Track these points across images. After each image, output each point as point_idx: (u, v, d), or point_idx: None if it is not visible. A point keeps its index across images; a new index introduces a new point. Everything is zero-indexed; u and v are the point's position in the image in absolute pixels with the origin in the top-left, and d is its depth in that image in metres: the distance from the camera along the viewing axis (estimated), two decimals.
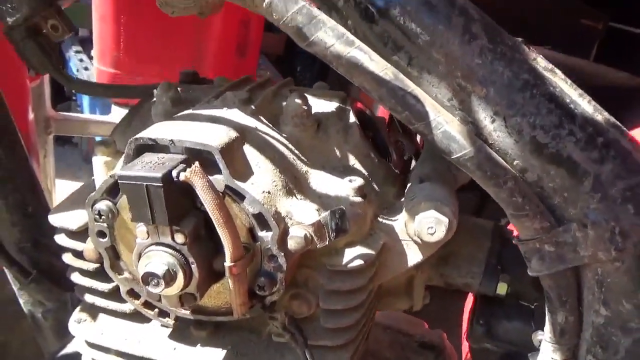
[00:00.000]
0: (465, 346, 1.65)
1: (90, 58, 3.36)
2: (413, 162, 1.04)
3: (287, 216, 0.67)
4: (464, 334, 1.74)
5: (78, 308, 0.85)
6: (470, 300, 1.78)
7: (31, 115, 1.93)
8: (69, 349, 1.04)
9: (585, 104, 0.64)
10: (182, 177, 0.59)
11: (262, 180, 0.67)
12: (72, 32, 0.97)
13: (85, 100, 3.71)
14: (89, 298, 0.82)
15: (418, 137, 1.04)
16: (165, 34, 2.43)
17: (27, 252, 1.10)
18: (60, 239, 0.80)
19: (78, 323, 0.82)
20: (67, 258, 0.81)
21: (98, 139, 3.63)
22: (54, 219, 0.79)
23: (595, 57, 3.28)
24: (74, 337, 1.09)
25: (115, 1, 2.34)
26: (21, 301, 1.15)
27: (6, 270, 1.12)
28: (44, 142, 2.20)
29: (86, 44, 3.84)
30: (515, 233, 0.99)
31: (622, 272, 0.63)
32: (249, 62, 2.90)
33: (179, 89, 0.87)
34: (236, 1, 0.70)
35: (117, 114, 2.50)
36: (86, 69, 3.60)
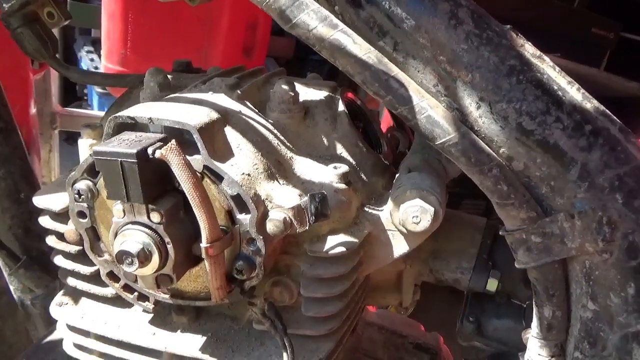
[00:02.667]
0: None
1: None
2: None
3: (267, 199, 0.66)
4: None
5: (61, 292, 0.85)
6: None
7: (33, 109, 1.95)
8: (54, 335, 1.04)
9: (574, 92, 0.63)
10: (157, 154, 0.58)
11: (243, 163, 0.66)
12: (68, 20, 0.98)
13: (95, 99, 3.75)
14: (71, 281, 0.82)
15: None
16: (173, 33, 2.45)
17: (18, 238, 1.10)
18: (44, 221, 0.80)
19: (59, 306, 0.82)
20: (51, 240, 0.81)
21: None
22: (38, 200, 0.79)
23: (606, 66, 3.24)
24: (56, 326, 1.09)
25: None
26: (11, 288, 1.15)
27: None
28: (49, 137, 2.22)
29: (98, 45, 3.89)
30: None
31: (610, 264, 0.60)
32: (256, 64, 2.91)
33: (169, 76, 0.87)
34: None
35: None
36: (97, 68, 3.65)
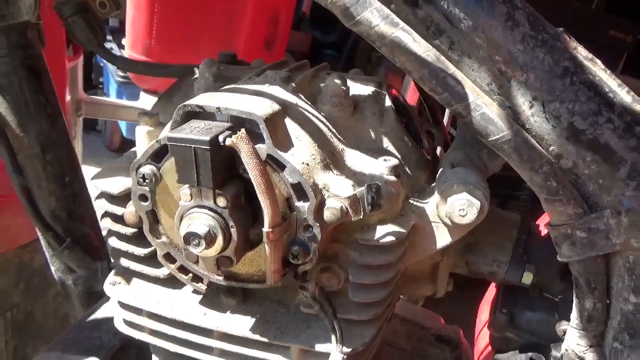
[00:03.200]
0: (477, 348, 1.66)
1: (121, 47, 3.44)
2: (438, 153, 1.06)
3: (324, 188, 0.69)
4: (476, 336, 1.74)
5: (113, 272, 0.88)
6: (485, 300, 1.78)
7: (68, 96, 1.99)
8: (96, 314, 1.08)
9: (624, 94, 0.65)
10: (228, 142, 0.62)
11: (302, 153, 0.69)
12: (119, 10, 1.01)
13: (113, 88, 3.80)
14: (124, 262, 0.85)
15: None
16: (197, 25, 2.49)
17: (61, 220, 1.14)
18: (101, 204, 0.83)
19: (113, 285, 0.85)
20: (106, 222, 0.84)
21: (122, 123, 3.69)
22: (97, 183, 0.82)
23: (623, 68, 3.24)
24: (100, 305, 1.13)
25: None
26: (52, 268, 1.19)
27: (40, 237, 1.16)
28: (74, 123, 2.27)
29: (116, 34, 3.93)
30: (540, 228, 1.00)
31: None
32: (276, 58, 2.94)
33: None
34: None
35: (146, 100, 2.56)
36: None
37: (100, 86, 4.60)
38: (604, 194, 0.65)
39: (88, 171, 1.19)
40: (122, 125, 3.79)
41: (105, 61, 3.73)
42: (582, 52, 0.67)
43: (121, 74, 3.35)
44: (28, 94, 1.04)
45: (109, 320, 1.06)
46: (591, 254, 0.67)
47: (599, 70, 0.66)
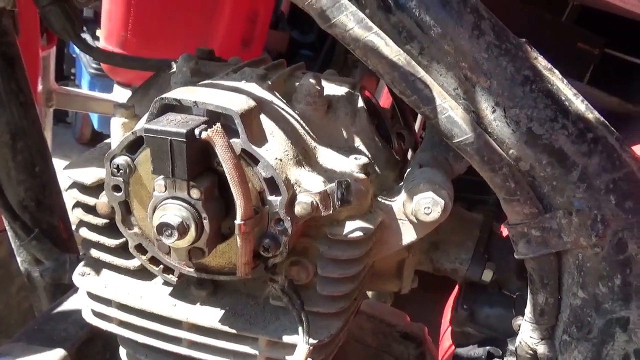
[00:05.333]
0: (442, 348, 1.71)
1: (94, 38, 3.38)
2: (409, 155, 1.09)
3: (296, 183, 0.72)
4: (442, 334, 1.79)
5: (82, 263, 0.89)
6: (450, 302, 1.84)
7: (40, 86, 1.95)
8: (63, 306, 1.07)
9: (578, 103, 0.70)
10: (204, 135, 0.63)
11: (275, 148, 0.72)
12: (98, 0, 1.01)
13: (85, 80, 3.72)
14: (94, 253, 0.85)
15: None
16: (174, 20, 2.47)
17: (30, 210, 1.13)
18: (73, 194, 0.84)
19: (82, 276, 0.86)
20: (77, 212, 0.85)
21: (94, 116, 3.62)
22: (70, 173, 0.82)
23: (589, 80, 3.38)
24: (67, 297, 1.12)
25: None
26: (19, 259, 1.18)
27: (7, 228, 1.15)
28: (44, 114, 2.22)
29: (89, 25, 3.86)
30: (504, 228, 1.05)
31: (600, 257, 0.68)
32: (254, 56, 2.95)
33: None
34: None
35: (120, 93, 2.53)
36: None
37: (72, 77, 4.50)
38: (557, 195, 0.70)
39: (57, 164, 1.18)
40: (94, 118, 3.72)
41: (78, 52, 3.66)
42: (542, 62, 0.71)
43: (94, 65, 3.30)
44: (0, 81, 1.03)
45: (76, 312, 1.06)
46: (544, 251, 0.71)
47: (556, 79, 0.70)
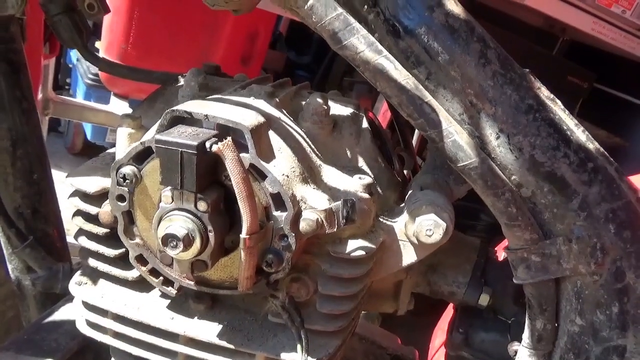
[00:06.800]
0: None
1: (93, 50, 3.39)
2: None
3: (301, 200, 0.72)
4: (430, 358, 1.78)
5: (78, 272, 0.88)
6: (439, 326, 1.84)
7: (40, 94, 1.95)
8: (54, 316, 1.05)
9: (579, 133, 0.72)
10: (214, 148, 0.64)
11: (283, 165, 0.72)
12: (107, 12, 1.02)
13: (81, 90, 3.71)
14: (92, 262, 0.85)
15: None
16: (176, 34, 2.50)
17: (25, 218, 1.12)
18: (75, 201, 0.83)
19: (78, 285, 0.85)
20: (78, 221, 0.84)
21: (88, 126, 3.59)
22: (73, 181, 0.82)
23: (578, 112, 3.46)
24: (58, 307, 1.10)
25: None
26: (9, 267, 1.16)
27: (1, 234, 1.13)
28: (41, 122, 2.21)
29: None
30: (498, 253, 1.06)
31: (598, 285, 0.69)
32: (252, 74, 2.98)
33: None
34: (276, 2, 0.76)
35: (117, 104, 2.53)
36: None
37: (67, 87, 4.49)
38: (558, 222, 0.71)
39: None
40: (87, 128, 3.70)
41: (75, 62, 3.66)
42: (544, 92, 0.73)
43: (91, 76, 3.29)
44: (5, 87, 1.03)
45: (67, 323, 1.04)
46: (544, 277, 0.72)
47: (558, 109, 0.73)
